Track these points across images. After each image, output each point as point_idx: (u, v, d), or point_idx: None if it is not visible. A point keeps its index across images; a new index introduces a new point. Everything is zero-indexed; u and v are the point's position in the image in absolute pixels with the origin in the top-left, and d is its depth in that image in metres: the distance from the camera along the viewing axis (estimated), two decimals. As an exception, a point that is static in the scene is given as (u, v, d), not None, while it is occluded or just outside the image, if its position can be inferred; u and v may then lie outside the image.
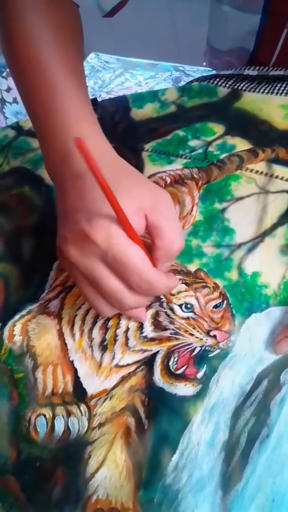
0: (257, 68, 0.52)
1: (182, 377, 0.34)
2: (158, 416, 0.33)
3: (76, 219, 0.29)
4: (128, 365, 0.35)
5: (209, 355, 0.35)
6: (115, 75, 0.60)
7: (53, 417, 0.34)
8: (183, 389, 0.33)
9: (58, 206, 0.33)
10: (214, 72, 0.55)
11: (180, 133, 0.49)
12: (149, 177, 0.46)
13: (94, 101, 0.55)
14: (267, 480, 0.29)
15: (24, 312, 0.40)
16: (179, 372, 0.34)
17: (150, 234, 0.30)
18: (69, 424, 0.33)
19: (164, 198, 0.31)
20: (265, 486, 0.29)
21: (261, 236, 0.40)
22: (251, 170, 0.44)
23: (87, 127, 0.33)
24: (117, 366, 0.36)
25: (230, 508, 0.29)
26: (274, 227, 0.40)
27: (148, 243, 0.30)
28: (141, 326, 0.37)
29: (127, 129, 0.51)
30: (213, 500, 0.29)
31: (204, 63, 0.66)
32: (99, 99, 0.57)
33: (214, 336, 0.35)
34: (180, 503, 0.29)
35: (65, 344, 0.37)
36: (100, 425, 0.33)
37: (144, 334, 0.37)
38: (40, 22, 0.36)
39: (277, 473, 0.29)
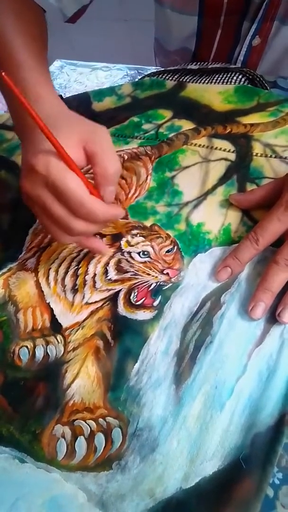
0: (198, 63, 0.61)
1: (141, 306, 0.41)
2: (122, 336, 0.39)
3: (27, 158, 0.35)
4: (96, 302, 0.42)
5: (163, 288, 0.42)
6: (76, 76, 0.68)
7: (34, 347, 0.40)
8: (142, 315, 0.40)
9: (21, 159, 0.39)
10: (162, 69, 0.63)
11: (135, 119, 0.57)
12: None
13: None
14: (211, 374, 0.36)
15: (5, 270, 0.46)
16: (138, 303, 0.41)
17: (90, 164, 0.34)
18: (48, 350, 0.40)
19: (101, 130, 0.35)
20: (209, 378, 0.36)
21: (204, 195, 0.47)
22: (195, 144, 0.52)
23: (44, 90, 0.38)
24: (87, 303, 0.42)
25: (181, 396, 0.35)
26: (214, 187, 0.48)
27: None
28: (106, 272, 0.44)
29: (89, 119, 0.59)
30: (168, 393, 0.36)
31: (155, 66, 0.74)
32: (64, 96, 0.64)
33: (167, 274, 0.42)
34: (141, 397, 0.36)
35: (42, 291, 0.44)
36: (74, 348, 0.39)
37: (108, 277, 0.43)
38: (11, 21, 0.43)
39: (218, 368, 0.36)
